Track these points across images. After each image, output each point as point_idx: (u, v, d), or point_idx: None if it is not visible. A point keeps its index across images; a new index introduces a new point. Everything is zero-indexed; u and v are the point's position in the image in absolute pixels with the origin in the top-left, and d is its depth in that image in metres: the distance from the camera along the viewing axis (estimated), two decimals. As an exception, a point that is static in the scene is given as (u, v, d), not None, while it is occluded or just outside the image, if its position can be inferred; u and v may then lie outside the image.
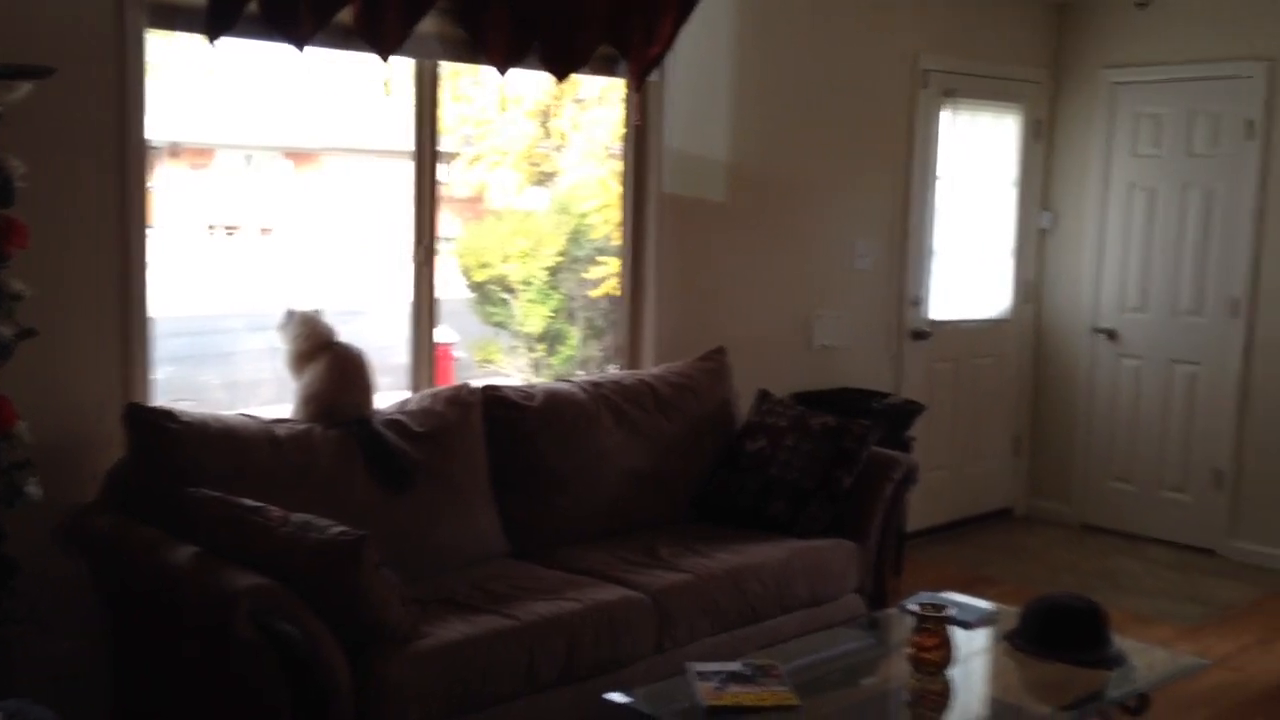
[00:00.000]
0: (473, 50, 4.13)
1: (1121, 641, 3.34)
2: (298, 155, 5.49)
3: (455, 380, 4.44)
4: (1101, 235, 6.15)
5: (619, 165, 4.80)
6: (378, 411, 3.76)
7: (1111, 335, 6.15)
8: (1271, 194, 5.59)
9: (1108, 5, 5.95)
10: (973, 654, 3.33)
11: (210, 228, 5.43)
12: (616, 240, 4.87)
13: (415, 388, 4.23)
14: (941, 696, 3.01)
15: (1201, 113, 5.80)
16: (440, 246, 4.34)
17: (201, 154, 5.18)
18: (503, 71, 4.15)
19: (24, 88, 2.93)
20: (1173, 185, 5.91)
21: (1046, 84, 6.26)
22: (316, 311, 3.79)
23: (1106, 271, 6.15)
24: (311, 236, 5.54)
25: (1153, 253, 5.99)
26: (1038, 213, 6.33)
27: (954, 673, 3.04)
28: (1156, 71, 5.92)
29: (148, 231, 3.59)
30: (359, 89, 4.71)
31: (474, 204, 5.37)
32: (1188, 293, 5.89)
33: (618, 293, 4.88)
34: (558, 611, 3.32)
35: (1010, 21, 6.06)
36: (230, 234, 5.52)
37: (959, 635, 3.18)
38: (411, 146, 4.22)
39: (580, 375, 4.73)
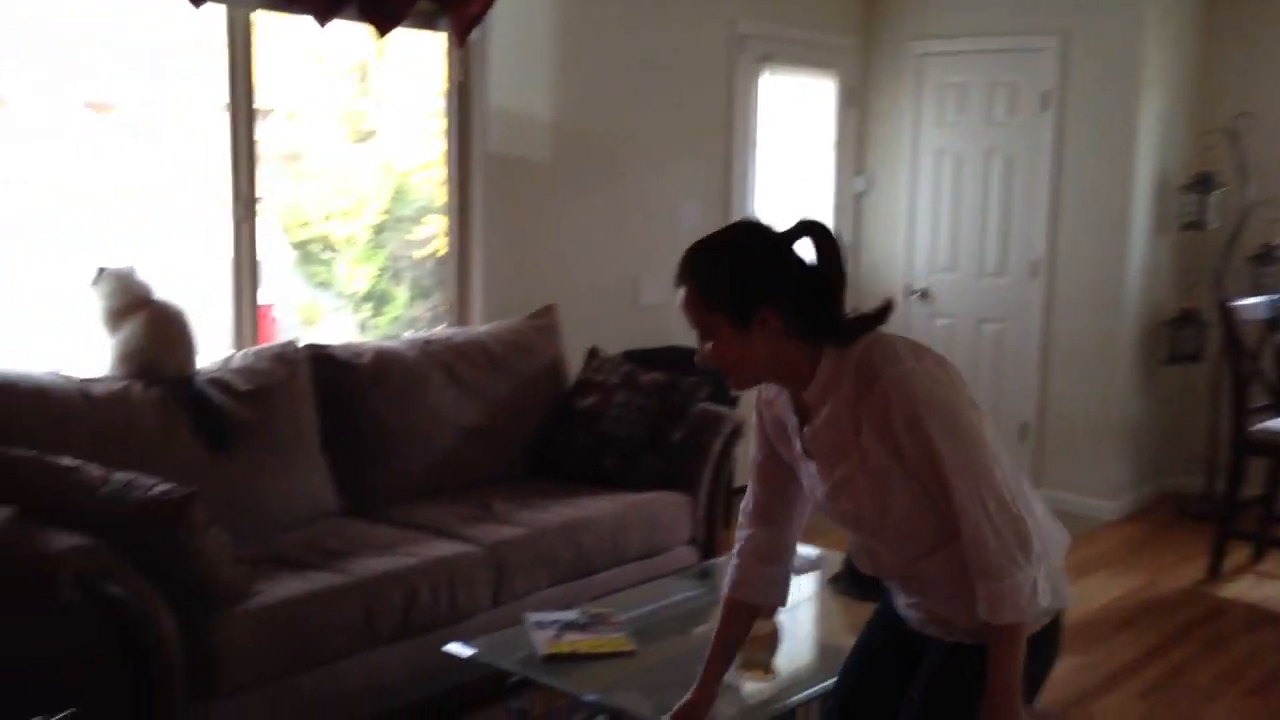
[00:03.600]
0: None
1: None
2: (100, 106, 5.19)
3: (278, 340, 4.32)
4: (913, 199, 6.39)
5: (441, 123, 4.73)
6: (200, 370, 3.64)
7: (925, 295, 6.41)
8: (1065, 162, 5.91)
9: (917, -23, 6.17)
10: (800, 598, 3.44)
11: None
12: (441, 199, 4.81)
13: (237, 349, 4.10)
14: (772, 638, 3.10)
15: (1001, 83, 6.08)
16: (260, 206, 4.21)
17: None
18: (322, 23, 4.04)
19: None
20: (977, 152, 6.18)
21: (859, 52, 6.45)
22: (130, 269, 3.63)
23: (919, 234, 6.39)
24: (118, 193, 5.26)
25: (960, 216, 6.26)
26: (853, 177, 6.53)
27: (782, 616, 3.14)
28: (959, 43, 6.16)
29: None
30: (170, 39, 4.48)
31: (293, 161, 5.19)
32: (993, 255, 6.19)
33: (444, 252, 4.82)
34: (394, 566, 3.29)
35: (825, -10, 6.21)
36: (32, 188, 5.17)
37: (788, 580, 3.28)
38: (226, 100, 4.08)
39: (409, 334, 4.66)
